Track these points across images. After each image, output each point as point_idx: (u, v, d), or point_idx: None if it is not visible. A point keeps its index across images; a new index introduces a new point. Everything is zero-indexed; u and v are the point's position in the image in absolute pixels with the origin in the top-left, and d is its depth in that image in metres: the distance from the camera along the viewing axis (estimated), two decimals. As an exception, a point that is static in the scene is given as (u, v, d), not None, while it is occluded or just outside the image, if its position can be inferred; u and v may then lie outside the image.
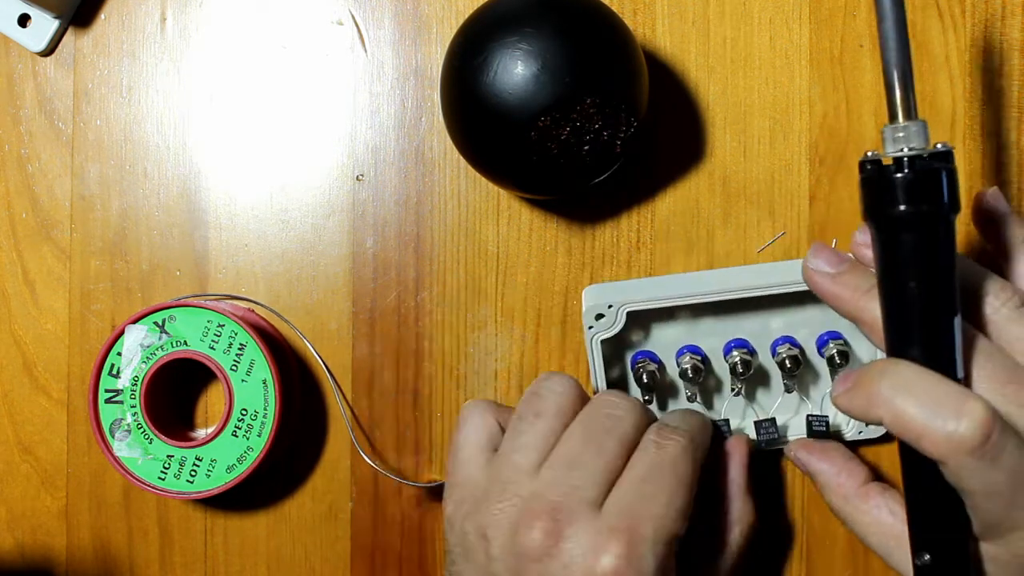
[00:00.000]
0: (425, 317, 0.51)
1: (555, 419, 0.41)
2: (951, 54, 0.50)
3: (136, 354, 0.48)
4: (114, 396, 0.48)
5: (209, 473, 0.48)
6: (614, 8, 0.49)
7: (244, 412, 0.48)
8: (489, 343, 0.51)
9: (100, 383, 0.48)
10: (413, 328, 0.51)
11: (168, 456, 0.48)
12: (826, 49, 0.50)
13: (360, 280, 0.51)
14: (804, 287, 0.45)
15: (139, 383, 0.48)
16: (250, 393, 0.48)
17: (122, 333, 0.48)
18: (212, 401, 0.52)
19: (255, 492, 0.51)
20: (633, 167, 0.50)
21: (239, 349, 0.48)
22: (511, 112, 0.42)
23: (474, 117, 0.44)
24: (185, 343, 0.48)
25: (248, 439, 0.48)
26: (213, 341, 0.48)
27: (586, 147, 0.43)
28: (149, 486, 0.48)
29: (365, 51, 0.51)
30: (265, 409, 0.48)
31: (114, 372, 0.48)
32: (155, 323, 0.48)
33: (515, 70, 0.42)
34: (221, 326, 0.48)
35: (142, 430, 0.48)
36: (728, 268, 0.49)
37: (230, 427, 0.48)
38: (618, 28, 0.44)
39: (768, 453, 0.50)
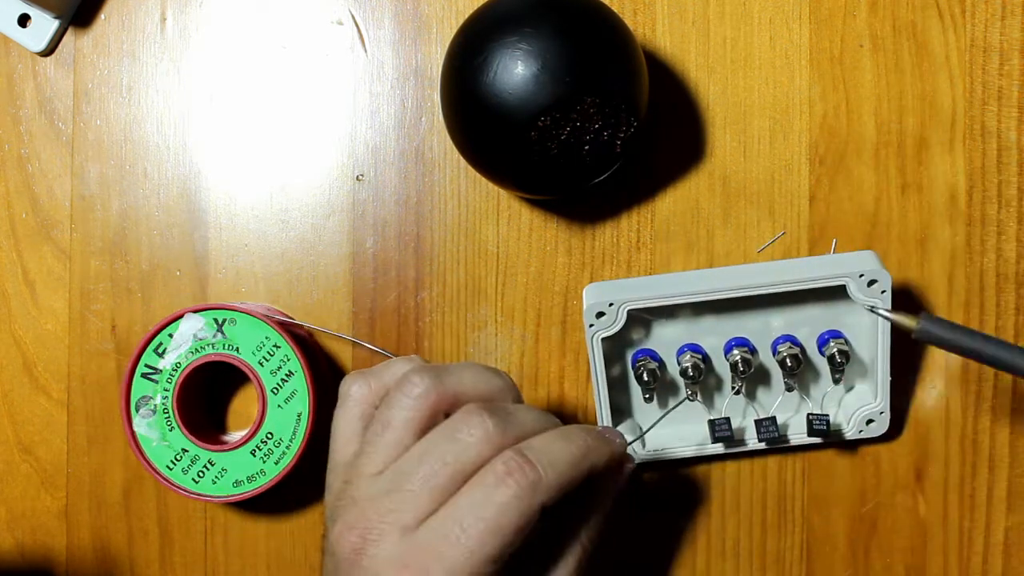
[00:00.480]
0: (425, 317, 0.51)
1: (403, 431, 0.39)
2: (951, 54, 0.50)
3: (187, 342, 0.48)
4: (152, 373, 0.48)
5: (216, 480, 0.48)
6: (614, 8, 0.49)
7: (270, 436, 0.48)
8: (489, 343, 0.51)
9: (142, 356, 0.48)
10: (413, 328, 0.51)
11: (183, 449, 0.48)
12: (826, 49, 0.50)
13: (360, 280, 0.51)
14: (805, 286, 0.45)
15: (179, 370, 0.48)
16: (282, 420, 0.48)
17: (180, 317, 0.48)
18: (244, 410, 0.52)
19: (255, 492, 0.51)
20: (633, 167, 0.50)
21: (286, 375, 0.48)
22: (511, 112, 0.42)
23: (474, 117, 0.44)
24: (237, 350, 0.48)
25: (264, 462, 0.48)
26: (264, 358, 0.48)
27: (586, 147, 0.43)
28: (154, 470, 0.48)
29: (365, 51, 0.51)
30: (291, 440, 0.48)
31: (159, 351, 0.48)
32: (215, 319, 0.48)
33: (515, 70, 0.42)
34: (277, 347, 0.48)
35: (167, 415, 0.48)
36: (729, 267, 0.49)
37: (251, 444, 0.48)
38: (618, 28, 0.44)
39: (767, 453, 0.50)
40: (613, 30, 0.44)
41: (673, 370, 0.48)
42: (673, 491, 0.51)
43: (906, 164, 0.50)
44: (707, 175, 0.50)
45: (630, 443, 0.44)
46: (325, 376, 0.50)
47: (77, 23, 0.52)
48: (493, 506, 0.36)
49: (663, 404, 0.49)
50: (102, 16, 0.52)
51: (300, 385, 0.48)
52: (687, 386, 0.48)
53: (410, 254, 0.51)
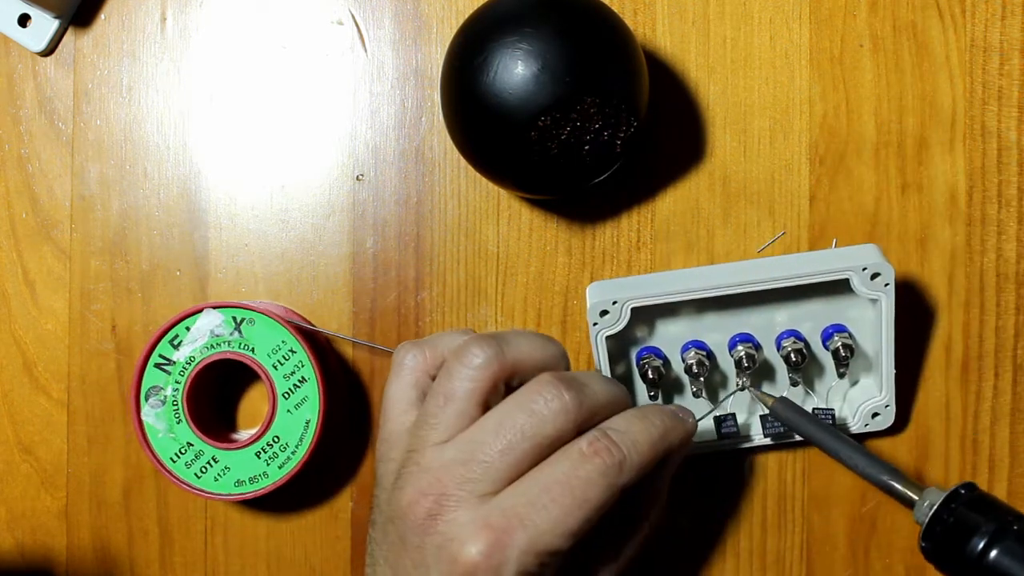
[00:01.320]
0: (425, 317, 0.51)
1: (466, 402, 0.39)
2: (951, 54, 0.50)
3: (203, 337, 0.48)
4: (165, 364, 0.48)
5: (218, 477, 0.48)
6: (614, 8, 0.49)
7: (276, 439, 0.48)
8: (489, 343, 0.51)
9: (157, 346, 0.48)
10: (413, 328, 0.51)
11: (188, 443, 0.48)
12: (826, 49, 0.50)
13: (360, 280, 0.51)
14: (808, 280, 0.45)
15: (193, 364, 0.48)
16: (290, 425, 0.48)
17: (199, 311, 0.48)
18: (254, 410, 0.52)
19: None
20: (633, 167, 0.50)
21: (299, 381, 0.48)
22: (511, 112, 0.42)
23: (474, 117, 0.44)
24: (252, 350, 0.48)
25: (268, 465, 0.48)
26: (279, 361, 0.48)
27: (586, 147, 0.43)
28: (158, 462, 0.48)
29: (365, 51, 0.51)
30: (297, 445, 0.48)
31: (175, 343, 0.48)
32: (233, 317, 0.48)
33: (515, 70, 0.42)
34: (292, 351, 0.48)
35: (176, 408, 0.48)
36: (732, 263, 0.49)
37: (257, 446, 0.48)
38: (618, 28, 0.44)
39: (770, 449, 0.50)
40: (613, 30, 0.44)
41: (677, 367, 0.48)
42: (673, 491, 0.51)
43: (906, 164, 0.50)
44: (707, 175, 0.50)
45: (699, 419, 0.44)
46: (338, 384, 0.51)
47: (77, 23, 0.52)
48: (580, 480, 0.37)
49: (667, 402, 0.49)
50: (102, 16, 0.52)
51: (312, 392, 0.48)
52: (692, 383, 0.48)
53: (410, 254, 0.51)
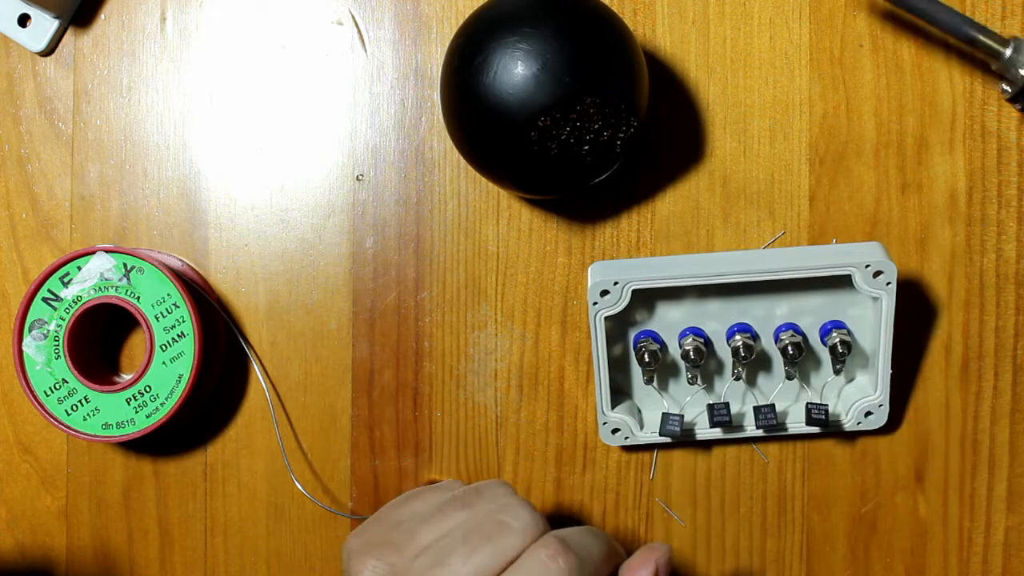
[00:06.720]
0: (425, 317, 0.51)
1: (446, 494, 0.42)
2: (951, 54, 0.50)
3: (93, 278, 0.48)
4: (52, 300, 0.48)
5: (87, 417, 0.48)
6: (614, 8, 0.49)
7: (148, 389, 0.48)
8: (489, 343, 0.51)
9: (47, 280, 0.48)
10: (413, 328, 0.51)
11: (63, 380, 0.48)
12: (826, 49, 0.50)
13: (360, 280, 0.51)
14: (811, 274, 0.45)
15: (79, 303, 0.48)
16: (163, 377, 0.48)
17: (93, 253, 0.48)
18: (134, 356, 0.52)
19: (256, 489, 0.51)
20: (633, 167, 0.50)
21: (178, 335, 0.48)
22: (511, 112, 0.42)
23: (474, 117, 0.44)
24: (138, 299, 0.48)
25: (137, 413, 0.48)
26: (161, 313, 0.48)
27: (586, 147, 0.43)
28: (31, 393, 0.48)
29: (365, 51, 0.51)
30: (167, 398, 0.48)
31: (65, 280, 0.48)
32: (124, 264, 0.48)
33: (515, 70, 0.42)
34: (176, 306, 0.48)
35: (56, 343, 0.48)
36: (736, 251, 0.49)
37: (128, 392, 0.48)
38: (618, 28, 0.44)
39: (765, 441, 0.50)
40: (613, 30, 0.44)
41: (674, 352, 0.48)
42: (673, 491, 0.51)
43: (906, 164, 0.50)
44: (707, 175, 0.50)
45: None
46: (218, 345, 0.51)
47: (77, 23, 0.52)
48: None
49: (663, 386, 0.49)
50: (102, 16, 0.52)
51: (189, 348, 0.48)
52: (687, 369, 0.48)
53: (410, 254, 0.51)
